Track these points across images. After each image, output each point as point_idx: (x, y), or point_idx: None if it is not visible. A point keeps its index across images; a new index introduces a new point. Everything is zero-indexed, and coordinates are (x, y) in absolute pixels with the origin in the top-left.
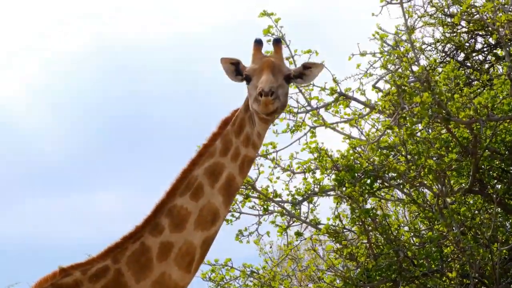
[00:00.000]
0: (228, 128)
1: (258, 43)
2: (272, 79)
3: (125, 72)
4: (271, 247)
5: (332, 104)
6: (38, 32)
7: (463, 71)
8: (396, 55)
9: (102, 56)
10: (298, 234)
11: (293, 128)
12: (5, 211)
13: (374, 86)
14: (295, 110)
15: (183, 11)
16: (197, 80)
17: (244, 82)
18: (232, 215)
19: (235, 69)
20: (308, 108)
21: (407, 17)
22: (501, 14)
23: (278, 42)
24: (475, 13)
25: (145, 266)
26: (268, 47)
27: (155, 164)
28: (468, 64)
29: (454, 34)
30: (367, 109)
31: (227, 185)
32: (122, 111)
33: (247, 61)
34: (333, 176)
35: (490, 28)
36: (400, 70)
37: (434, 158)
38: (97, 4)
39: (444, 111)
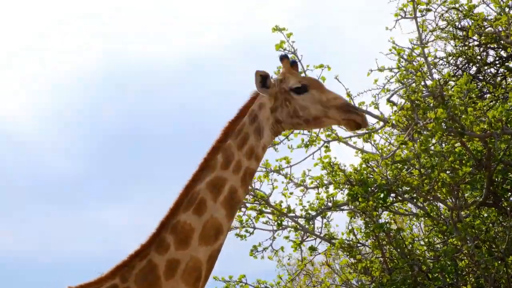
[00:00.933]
0: (229, 142)
1: (287, 58)
2: None
3: (125, 75)
4: (289, 259)
5: None
6: (38, 32)
7: (475, 84)
8: (411, 69)
9: (101, 58)
10: (312, 249)
11: (308, 143)
12: (8, 226)
13: (388, 100)
14: None
15: (183, 11)
16: (197, 83)
17: (292, 93)
18: (246, 231)
19: (261, 80)
20: None
21: (421, 31)
22: None
23: (283, 58)
24: (487, 26)
25: (153, 284)
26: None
27: (161, 177)
28: (480, 77)
29: (466, 48)
30: (381, 123)
31: (229, 198)
32: (123, 117)
33: (247, 64)
34: (346, 191)
35: (502, 41)
36: (414, 84)
37: (448, 172)
38: (97, 4)
39: (458, 125)
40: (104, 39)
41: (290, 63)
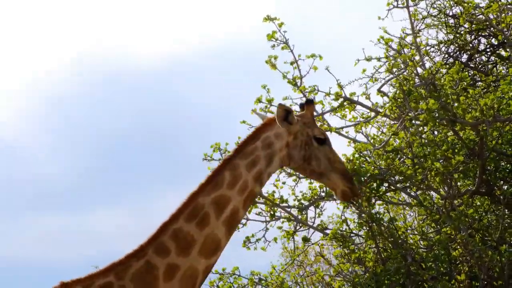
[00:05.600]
0: (237, 161)
1: (312, 102)
2: None
3: (122, 82)
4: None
5: (337, 109)
6: (34, 39)
7: (466, 73)
8: (401, 59)
9: (97, 66)
10: (305, 239)
11: None
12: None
13: (379, 91)
14: None
15: (180, 18)
16: (192, 94)
17: (314, 142)
18: None
19: (285, 115)
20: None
21: (413, 20)
22: (507, 13)
23: (311, 103)
24: (478, 14)
25: (150, 285)
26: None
27: (153, 182)
28: (471, 65)
29: (458, 35)
30: (373, 113)
31: (230, 218)
32: (119, 122)
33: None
34: None
35: (493, 29)
36: (405, 73)
37: (441, 161)
38: (94, 9)
39: (449, 113)
40: (98, 48)
41: (305, 102)
